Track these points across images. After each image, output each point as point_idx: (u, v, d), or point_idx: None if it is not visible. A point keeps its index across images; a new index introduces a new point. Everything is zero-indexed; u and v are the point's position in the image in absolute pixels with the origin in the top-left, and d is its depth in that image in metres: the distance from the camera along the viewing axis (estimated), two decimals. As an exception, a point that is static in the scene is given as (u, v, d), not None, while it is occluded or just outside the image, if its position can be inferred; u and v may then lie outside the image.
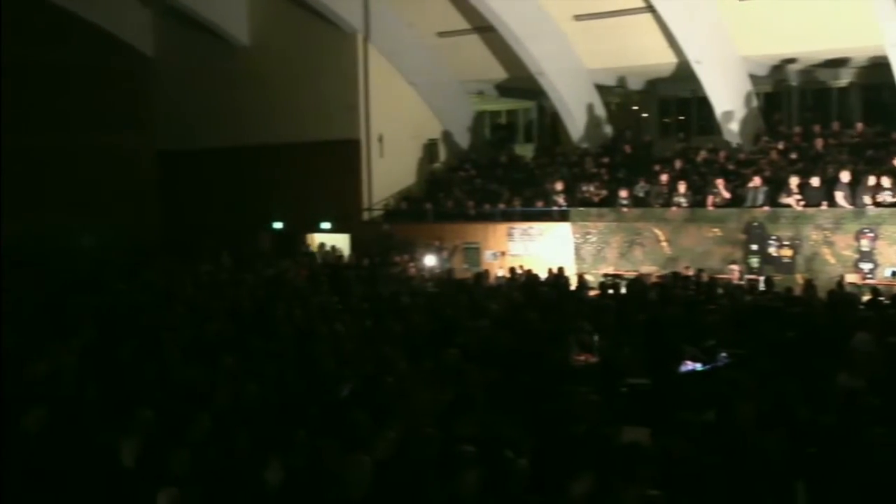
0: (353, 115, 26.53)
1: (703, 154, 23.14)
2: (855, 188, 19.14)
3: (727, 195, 20.52)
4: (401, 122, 27.11)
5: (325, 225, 26.76)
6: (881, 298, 15.45)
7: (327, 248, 25.37)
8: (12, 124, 27.35)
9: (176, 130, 30.13)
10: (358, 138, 26.61)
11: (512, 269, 20.34)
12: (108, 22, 29.15)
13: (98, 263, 23.76)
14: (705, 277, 18.49)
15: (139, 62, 30.63)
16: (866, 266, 18.54)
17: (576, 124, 26.04)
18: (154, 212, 31.18)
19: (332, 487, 6.80)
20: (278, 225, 27.93)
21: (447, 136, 28.68)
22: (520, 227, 23.07)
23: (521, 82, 26.74)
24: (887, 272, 18.27)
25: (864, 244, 18.61)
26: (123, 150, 29.98)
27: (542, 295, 16.45)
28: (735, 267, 19.19)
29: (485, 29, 24.94)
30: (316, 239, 26.85)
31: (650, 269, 20.34)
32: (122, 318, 15.05)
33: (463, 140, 28.78)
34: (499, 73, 26.97)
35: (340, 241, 25.87)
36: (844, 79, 24.72)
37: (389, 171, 27.04)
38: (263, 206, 27.79)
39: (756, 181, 20.21)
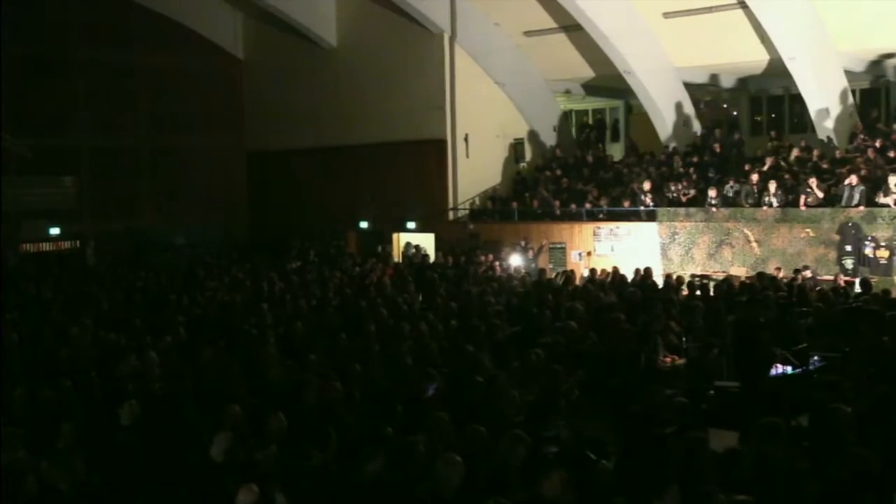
0: (440, 115, 26.62)
1: (795, 153, 22.63)
2: (956, 187, 18.53)
3: (821, 195, 20.03)
4: (487, 122, 27.10)
5: (411, 224, 26.90)
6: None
7: (412, 247, 25.50)
8: (106, 125, 28.17)
9: (265, 131, 30.65)
10: (444, 138, 26.70)
11: (592, 271, 20.17)
12: (202, 26, 29.86)
13: (190, 262, 24.32)
14: (801, 279, 18.12)
15: (231, 65, 31.27)
16: (968, 268, 17.93)
17: (664, 123, 25.70)
18: (244, 211, 31.78)
19: (422, 485, 6.83)
20: (364, 224, 28.18)
21: (533, 135, 28.59)
22: (606, 226, 22.87)
23: (609, 81, 26.52)
24: None
25: (966, 245, 18.02)
26: (214, 151, 30.65)
27: (629, 295, 16.27)
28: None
29: (572, 28, 24.79)
30: (401, 238, 27.02)
31: (739, 270, 19.99)
32: (212, 317, 15.37)
33: (549, 139, 28.65)
34: (586, 72, 26.79)
35: (426, 241, 25.97)
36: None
37: (475, 170, 27.06)
38: (350, 205, 28.06)
39: (853, 179, 19.67)
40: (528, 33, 26.21)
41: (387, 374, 10.69)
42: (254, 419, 8.37)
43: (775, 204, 20.42)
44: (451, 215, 26.75)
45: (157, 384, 10.28)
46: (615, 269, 19.91)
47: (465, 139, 26.80)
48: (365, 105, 27.55)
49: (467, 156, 26.90)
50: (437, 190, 26.80)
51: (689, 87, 25.82)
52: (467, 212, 26.63)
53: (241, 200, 31.76)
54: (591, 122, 31.10)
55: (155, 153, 29.32)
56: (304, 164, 29.32)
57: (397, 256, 25.73)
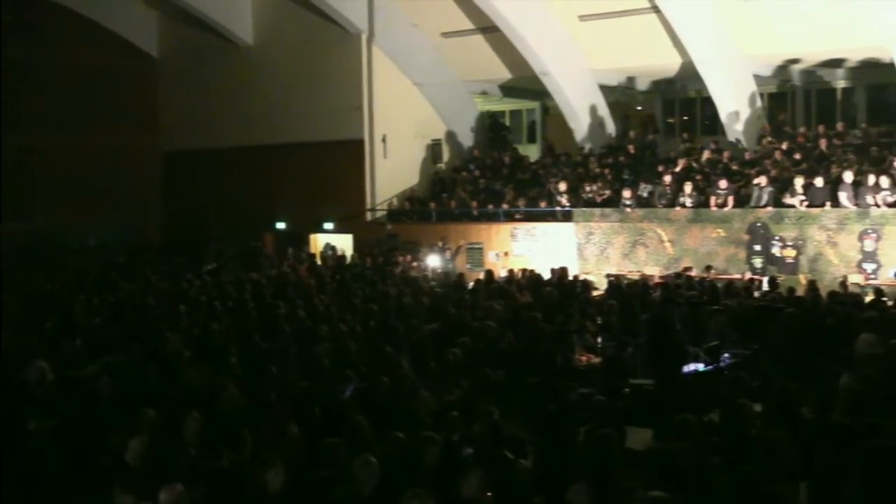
0: (357, 115, 26.54)
1: (706, 154, 23.12)
2: (858, 189, 19.14)
3: (730, 196, 20.48)
4: (405, 123, 27.10)
5: (328, 225, 26.77)
6: (884, 299, 15.43)
7: (329, 247, 25.36)
8: (18, 124, 27.41)
9: (181, 131, 30.16)
10: (362, 138, 26.61)
11: (511, 272, 20.29)
12: (114, 23, 29.21)
13: (104, 263, 23.82)
14: (711, 276, 18.57)
15: (144, 63, 30.68)
16: (869, 266, 18.51)
17: (580, 124, 26.02)
18: (159, 212, 31.24)
19: (338, 487, 6.81)
20: (281, 225, 27.95)
21: (451, 136, 28.68)
22: (523, 227, 23.07)
23: (525, 82, 26.74)
24: (890, 273, 18.22)
25: (868, 245, 18.59)
26: (129, 151, 30.02)
27: (546, 295, 16.45)
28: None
29: (489, 29, 24.93)
30: (319, 239, 26.86)
31: (653, 269, 20.34)
32: (127, 319, 15.10)
33: (467, 140, 28.77)
34: (503, 74, 26.97)
35: (344, 241, 25.86)
36: (848, 79, 24.71)
37: (393, 171, 27.05)
38: (267, 206, 27.80)
39: (761, 180, 20.19)
40: (445, 34, 26.29)
41: (304, 376, 10.63)
42: (169, 422, 8.25)
43: (689, 204, 20.83)
44: (369, 216, 26.69)
45: (73, 388, 10.05)
46: (530, 270, 20.06)
47: (383, 139, 26.77)
48: (282, 105, 27.30)
49: (385, 156, 26.86)
50: (355, 190, 26.70)
51: (604, 89, 26.19)
52: (385, 212, 26.59)
53: (156, 201, 31.20)
54: (507, 122, 31.28)
55: (66, 152, 28.55)
56: (221, 164, 28.90)
57: (315, 257, 25.56)
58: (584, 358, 12.89)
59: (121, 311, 15.80)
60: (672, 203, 21.18)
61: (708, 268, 19.37)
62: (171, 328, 13.58)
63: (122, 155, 29.71)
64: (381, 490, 6.75)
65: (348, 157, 26.65)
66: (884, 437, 7.30)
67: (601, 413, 8.79)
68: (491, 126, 29.70)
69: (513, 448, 7.49)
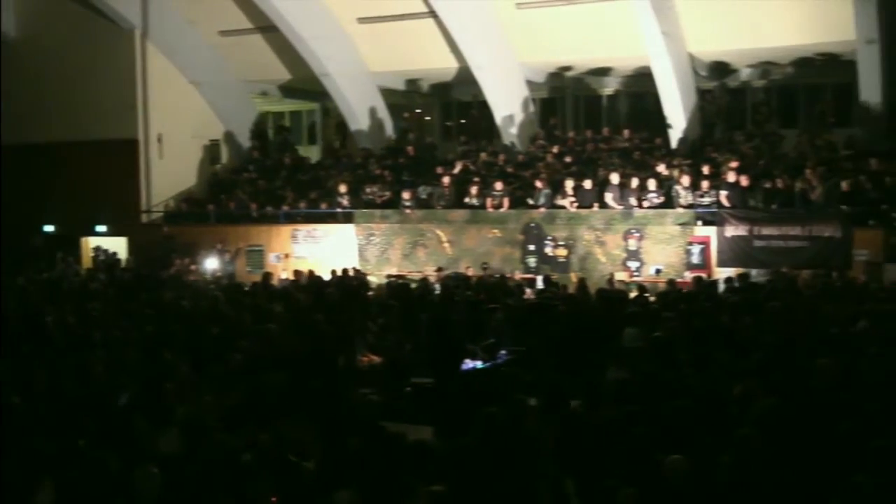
0: (131, 114, 25.60)
1: (483, 157, 23.78)
2: (623, 191, 20.23)
3: (505, 198, 21.14)
4: (181, 122, 26.38)
5: (101, 228, 25.70)
6: (647, 295, 16.40)
7: (102, 251, 24.37)
8: None
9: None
10: (136, 138, 25.69)
11: (297, 273, 20.19)
12: None
13: None
14: (489, 275, 19.11)
15: None
16: (633, 264, 19.62)
17: (360, 126, 26.20)
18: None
19: (117, 499, 6.63)
20: (50, 228, 26.58)
21: (230, 136, 28.16)
22: (304, 228, 22.99)
23: (306, 83, 26.65)
24: (652, 270, 19.41)
25: (632, 244, 19.70)
26: None
27: (327, 296, 16.48)
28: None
29: (268, 28, 24.68)
30: (91, 242, 25.74)
31: (432, 269, 20.73)
32: None
33: (246, 141, 28.33)
34: (282, 74, 26.78)
35: (118, 244, 24.92)
36: (613, 87, 26.06)
37: (169, 171, 26.25)
38: (35, 207, 26.32)
39: (541, 184, 20.93)
40: (223, 33, 25.81)
41: (77, 385, 10.22)
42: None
43: (476, 204, 21.32)
44: (144, 218, 25.84)
45: None
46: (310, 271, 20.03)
47: (159, 139, 25.98)
48: (51, 102, 25.86)
49: (161, 156, 26.08)
50: (130, 192, 25.74)
51: (384, 91, 26.46)
52: (162, 214, 25.82)
53: None
54: (288, 124, 31.05)
55: None
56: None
57: (87, 261, 24.53)
58: (365, 359, 13.02)
59: None
60: (451, 204, 21.65)
61: (485, 267, 19.85)
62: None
63: None
64: (166, 499, 6.62)
65: (122, 157, 25.67)
66: (645, 426, 7.80)
67: (384, 412, 8.93)
68: (277, 130, 29.40)
69: (296, 451, 7.51)
